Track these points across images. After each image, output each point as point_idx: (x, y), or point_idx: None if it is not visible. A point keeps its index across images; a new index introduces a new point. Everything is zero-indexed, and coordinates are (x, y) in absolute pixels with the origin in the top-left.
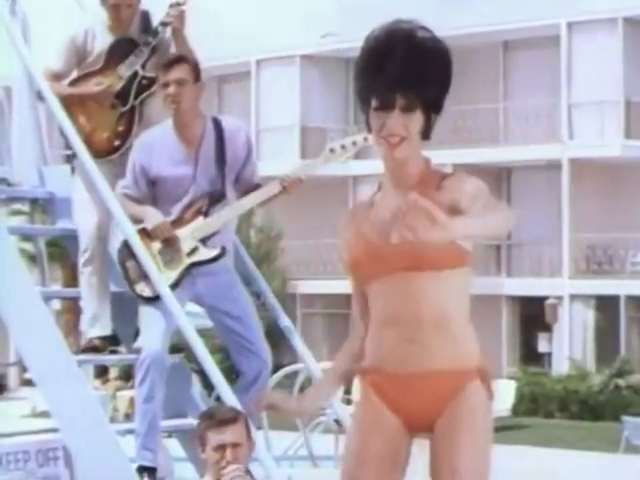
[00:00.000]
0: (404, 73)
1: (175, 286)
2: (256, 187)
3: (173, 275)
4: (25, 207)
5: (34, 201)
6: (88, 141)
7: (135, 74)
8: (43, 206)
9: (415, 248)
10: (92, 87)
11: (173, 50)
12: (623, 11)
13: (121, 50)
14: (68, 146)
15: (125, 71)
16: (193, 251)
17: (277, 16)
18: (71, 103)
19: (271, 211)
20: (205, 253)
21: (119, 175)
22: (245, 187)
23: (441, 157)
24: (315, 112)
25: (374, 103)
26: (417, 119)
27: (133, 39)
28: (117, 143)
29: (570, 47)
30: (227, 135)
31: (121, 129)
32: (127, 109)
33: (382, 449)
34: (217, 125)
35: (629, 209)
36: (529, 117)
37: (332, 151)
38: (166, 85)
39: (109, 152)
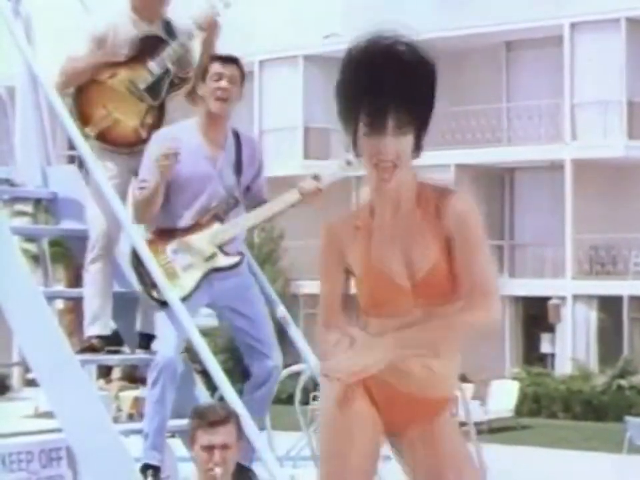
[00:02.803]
0: (394, 93)
1: (194, 290)
2: (262, 202)
3: (192, 280)
4: (28, 208)
5: (37, 201)
6: (113, 131)
7: (167, 71)
8: (46, 206)
9: (421, 287)
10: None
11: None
12: (626, 11)
13: (150, 45)
14: (72, 146)
15: (155, 67)
16: (212, 256)
17: (280, 16)
18: (97, 90)
19: None
20: (224, 260)
21: (134, 171)
22: (253, 200)
23: (444, 157)
24: (318, 113)
25: (363, 127)
26: (409, 141)
27: (160, 36)
28: (144, 135)
29: (573, 47)
30: (244, 146)
31: (149, 121)
32: (157, 104)
33: (367, 444)
34: (236, 135)
35: (632, 209)
36: (531, 117)
37: (349, 163)
38: (218, 79)
39: (135, 143)
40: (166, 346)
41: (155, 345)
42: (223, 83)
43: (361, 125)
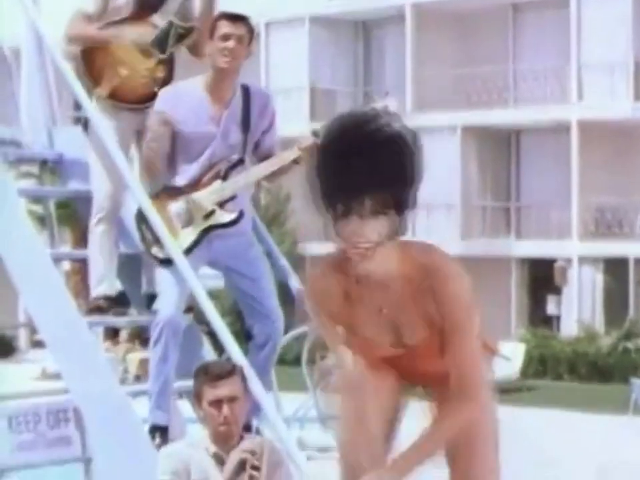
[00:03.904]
0: (370, 174)
1: (191, 248)
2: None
3: (190, 237)
4: (34, 169)
5: (43, 163)
6: (124, 87)
7: (170, 23)
8: (52, 167)
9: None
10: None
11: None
12: None
13: (151, 0)
14: (78, 107)
15: (159, 20)
16: (210, 213)
17: None
18: (105, 50)
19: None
20: (222, 216)
21: (140, 131)
22: (263, 156)
23: (450, 119)
24: (324, 74)
25: (340, 210)
26: (390, 219)
27: None
28: (155, 89)
29: (579, 7)
30: (254, 101)
31: (160, 75)
32: (166, 56)
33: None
34: (246, 90)
35: (638, 171)
36: (538, 79)
37: None
38: (226, 38)
39: (148, 98)
40: (167, 304)
41: (156, 304)
42: (231, 44)
43: (338, 207)
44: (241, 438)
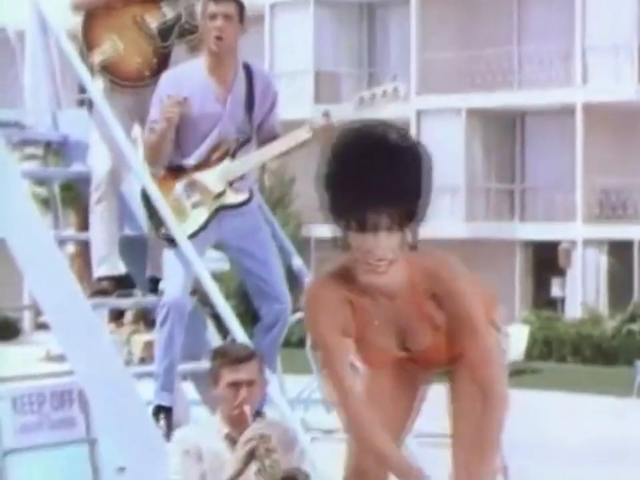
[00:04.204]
0: (388, 191)
1: (203, 228)
2: (275, 137)
3: (202, 217)
4: (39, 151)
5: (47, 145)
6: (116, 63)
7: (179, 17)
8: (57, 149)
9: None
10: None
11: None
12: None
13: None
14: (83, 89)
15: (169, 10)
16: (221, 194)
17: None
18: (108, 18)
19: None
20: (233, 197)
21: (133, 114)
22: (266, 136)
23: (455, 101)
24: (328, 56)
25: (354, 224)
26: (404, 237)
27: None
28: (146, 73)
29: None
30: (256, 81)
31: (154, 61)
32: (166, 45)
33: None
34: (248, 69)
35: None
36: (542, 61)
37: (361, 100)
38: (212, 18)
39: (137, 79)
40: (173, 285)
41: (162, 285)
42: (218, 22)
43: (352, 222)
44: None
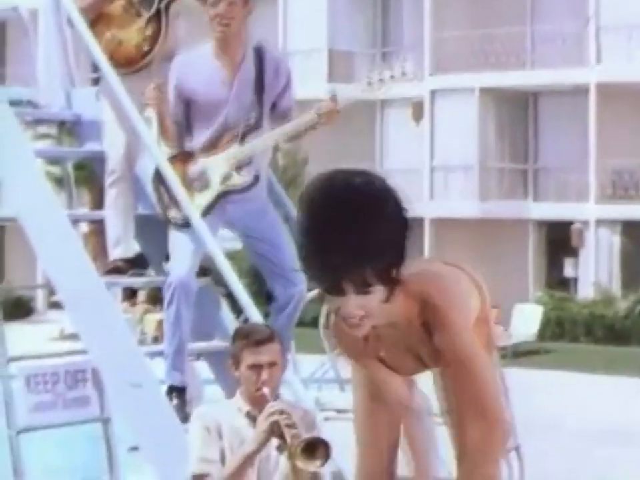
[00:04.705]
0: (347, 261)
1: (206, 212)
2: (290, 119)
3: (205, 200)
4: (52, 130)
5: (61, 124)
6: (117, 53)
7: None
8: (70, 129)
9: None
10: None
11: None
12: None
13: None
14: (96, 68)
15: None
16: (226, 177)
17: None
18: (96, 17)
19: None
20: (238, 180)
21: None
22: (280, 118)
23: (468, 81)
24: (342, 35)
25: (321, 288)
26: (377, 293)
27: None
28: (145, 47)
29: None
30: (267, 63)
31: (148, 33)
32: (153, 12)
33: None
34: (259, 51)
35: None
36: (556, 41)
37: (369, 84)
38: (215, 3)
39: (139, 58)
40: (179, 266)
41: (168, 265)
42: (221, 8)
43: (320, 286)
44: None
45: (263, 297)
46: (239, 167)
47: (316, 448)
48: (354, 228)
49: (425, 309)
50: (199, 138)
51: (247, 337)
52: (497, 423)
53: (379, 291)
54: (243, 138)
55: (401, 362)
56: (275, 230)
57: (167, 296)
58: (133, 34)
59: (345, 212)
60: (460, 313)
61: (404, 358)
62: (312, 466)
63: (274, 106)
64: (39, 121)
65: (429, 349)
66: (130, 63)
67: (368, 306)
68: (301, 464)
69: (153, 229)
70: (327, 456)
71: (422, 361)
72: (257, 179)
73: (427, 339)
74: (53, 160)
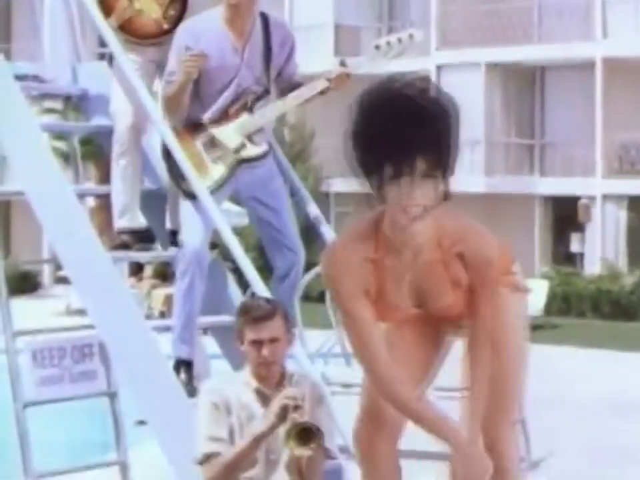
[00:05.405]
0: (422, 135)
1: (221, 184)
2: (295, 85)
3: (221, 171)
4: (58, 105)
5: (67, 99)
6: (134, 22)
7: None
8: (76, 103)
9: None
10: None
11: None
12: None
13: None
14: (103, 43)
15: None
16: (240, 147)
17: None
18: None
19: (304, 108)
20: (252, 150)
21: (157, 63)
22: (285, 85)
23: (474, 55)
24: (348, 10)
25: (389, 171)
26: (436, 184)
27: None
28: (166, 26)
29: None
30: (273, 30)
31: (172, 13)
32: None
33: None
34: (265, 19)
35: None
36: (562, 15)
37: (377, 47)
38: None
39: (157, 34)
40: (193, 237)
41: (181, 236)
42: None
43: (387, 171)
44: (281, 376)
45: (269, 271)
46: (251, 136)
47: (310, 433)
48: (430, 116)
49: (463, 242)
50: (209, 107)
51: (248, 313)
52: (507, 345)
53: (438, 184)
54: (252, 107)
55: (399, 298)
56: (279, 197)
57: (181, 266)
58: (154, 6)
59: (424, 102)
60: (492, 246)
61: (404, 294)
62: (305, 451)
63: (279, 73)
64: (44, 96)
65: (448, 277)
66: (146, 36)
67: (430, 196)
68: (296, 450)
69: (159, 204)
70: (319, 441)
71: (421, 296)
72: (270, 146)
73: (448, 269)
74: (59, 135)
